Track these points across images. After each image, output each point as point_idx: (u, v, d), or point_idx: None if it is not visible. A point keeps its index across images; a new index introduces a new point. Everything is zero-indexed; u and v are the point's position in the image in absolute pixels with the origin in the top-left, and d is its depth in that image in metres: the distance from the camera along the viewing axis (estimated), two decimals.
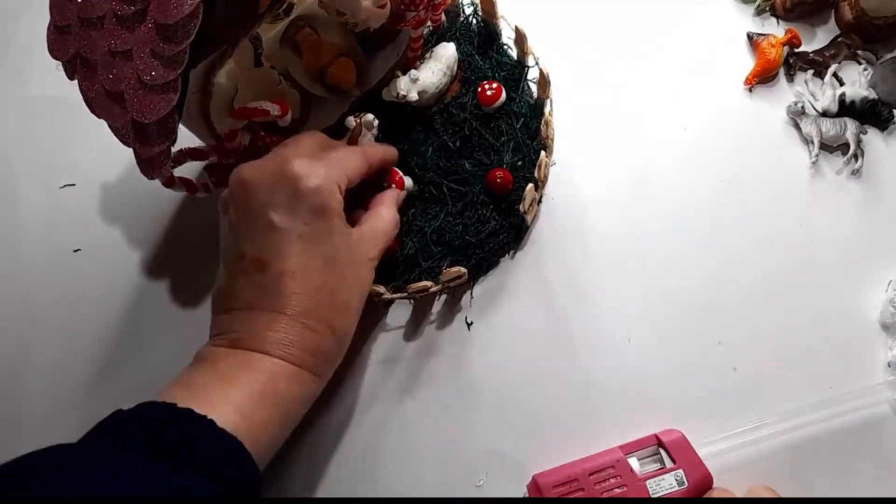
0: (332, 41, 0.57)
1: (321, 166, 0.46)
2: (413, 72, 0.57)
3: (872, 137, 0.62)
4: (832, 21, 0.66)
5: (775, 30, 0.65)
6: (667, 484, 0.50)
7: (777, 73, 0.64)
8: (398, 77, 0.57)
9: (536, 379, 0.56)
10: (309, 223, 0.45)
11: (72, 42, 0.44)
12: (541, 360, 0.57)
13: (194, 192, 0.51)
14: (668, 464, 0.51)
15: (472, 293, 0.59)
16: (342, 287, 0.46)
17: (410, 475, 0.54)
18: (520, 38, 0.59)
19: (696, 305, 0.58)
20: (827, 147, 0.61)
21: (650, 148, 0.62)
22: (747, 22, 0.66)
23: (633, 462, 0.51)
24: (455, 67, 0.60)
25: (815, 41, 0.65)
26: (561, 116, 0.59)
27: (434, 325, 0.58)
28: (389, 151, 0.56)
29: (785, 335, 0.56)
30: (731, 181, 0.61)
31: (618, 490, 0.50)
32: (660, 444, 0.52)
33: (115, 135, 0.44)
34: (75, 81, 0.45)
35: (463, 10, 0.62)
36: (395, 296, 0.56)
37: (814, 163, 0.60)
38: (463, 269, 0.55)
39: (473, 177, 0.58)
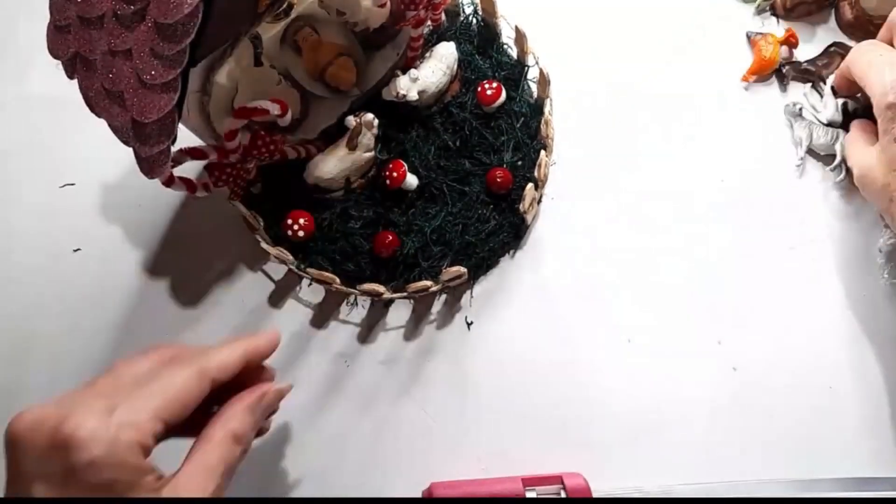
0: (332, 41, 0.57)
1: (110, 423, 0.35)
2: (413, 71, 0.57)
3: None
4: (832, 21, 0.66)
5: (775, 29, 0.65)
6: None
7: (774, 73, 0.64)
8: (398, 76, 0.57)
9: (537, 379, 0.56)
10: None
11: (72, 41, 0.43)
12: (541, 360, 0.57)
13: (194, 191, 0.51)
14: None
15: (472, 293, 0.59)
16: None
17: (410, 475, 0.54)
18: (520, 38, 0.59)
19: (697, 304, 0.58)
20: (815, 154, 0.61)
21: (650, 147, 0.62)
22: (748, 21, 0.66)
23: (532, 495, 0.51)
24: (455, 67, 0.60)
25: (815, 41, 0.65)
26: (561, 116, 0.59)
27: (434, 325, 0.58)
28: (255, 345, 0.43)
29: (785, 332, 0.56)
30: (732, 180, 0.61)
31: None
32: (562, 485, 0.52)
33: (115, 134, 0.44)
34: (75, 81, 0.45)
35: (463, 10, 0.62)
36: (394, 295, 0.56)
37: (798, 166, 0.60)
38: (463, 269, 0.55)
39: (473, 176, 0.58)
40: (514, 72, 0.60)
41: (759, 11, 0.66)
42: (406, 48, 0.59)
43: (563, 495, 0.52)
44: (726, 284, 0.58)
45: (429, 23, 0.60)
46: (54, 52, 0.45)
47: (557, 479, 0.52)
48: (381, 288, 0.55)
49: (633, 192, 0.61)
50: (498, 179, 0.57)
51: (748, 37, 0.65)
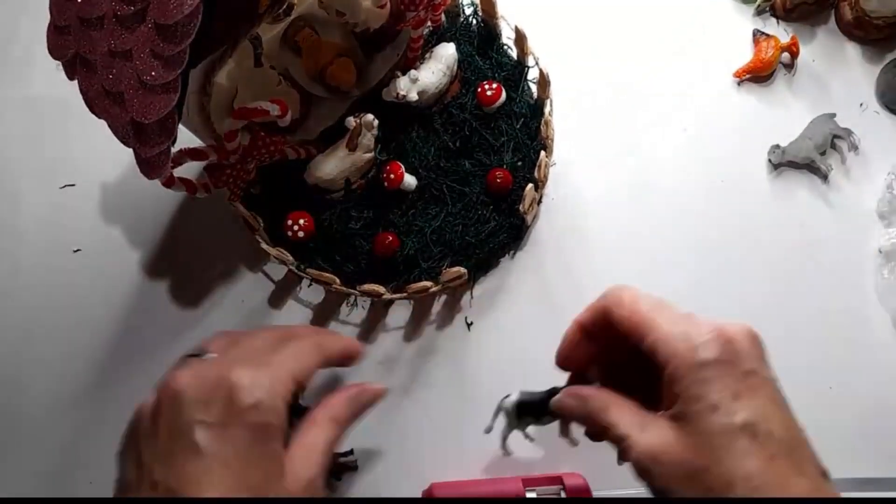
0: (332, 41, 0.57)
1: (266, 374, 0.40)
2: (413, 72, 0.57)
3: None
4: (832, 21, 0.66)
5: (775, 29, 0.65)
6: None
7: (771, 74, 0.64)
8: (398, 77, 0.57)
9: (537, 379, 0.56)
10: (240, 447, 0.37)
11: (72, 42, 0.43)
12: (541, 360, 0.57)
13: (194, 192, 0.51)
14: None
15: (472, 293, 0.59)
16: None
17: (410, 475, 0.54)
18: (520, 38, 0.59)
19: (696, 304, 0.57)
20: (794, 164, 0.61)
21: (650, 148, 0.62)
22: (748, 22, 0.66)
23: (532, 496, 0.51)
24: (455, 67, 0.60)
25: (815, 41, 0.65)
26: (561, 116, 0.59)
27: (434, 325, 0.58)
28: (353, 346, 0.48)
29: (787, 333, 0.56)
30: (731, 181, 0.61)
31: None
32: (562, 485, 0.52)
33: (115, 135, 0.44)
34: (75, 82, 0.45)
35: (463, 10, 0.62)
36: (394, 296, 0.56)
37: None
38: (463, 270, 0.55)
39: (473, 177, 0.58)
40: (514, 72, 0.60)
41: (759, 12, 0.66)
42: (406, 49, 0.59)
43: (562, 495, 0.52)
44: (725, 286, 0.58)
45: (429, 23, 0.60)
46: (54, 52, 0.45)
47: (557, 480, 0.52)
48: (380, 288, 0.55)
49: (633, 193, 0.61)
50: (498, 180, 0.57)
51: (753, 34, 0.64)
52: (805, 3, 0.64)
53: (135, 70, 0.41)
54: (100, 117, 0.44)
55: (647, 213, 0.60)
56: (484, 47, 0.62)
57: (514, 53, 0.61)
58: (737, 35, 0.65)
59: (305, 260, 0.57)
